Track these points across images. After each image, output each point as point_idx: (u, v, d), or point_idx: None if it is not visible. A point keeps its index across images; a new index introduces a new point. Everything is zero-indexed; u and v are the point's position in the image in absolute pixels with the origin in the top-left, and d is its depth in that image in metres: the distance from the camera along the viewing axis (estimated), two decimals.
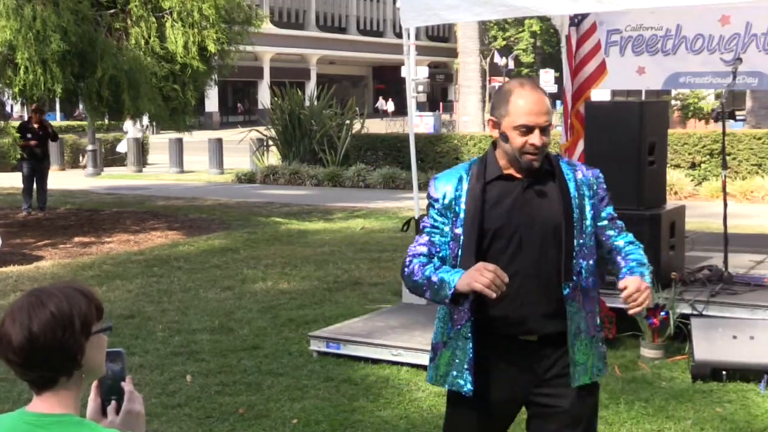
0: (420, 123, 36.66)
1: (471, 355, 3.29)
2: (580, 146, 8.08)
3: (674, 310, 7.09)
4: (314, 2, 74.03)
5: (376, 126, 34.94)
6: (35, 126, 16.49)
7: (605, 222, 3.38)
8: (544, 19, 51.29)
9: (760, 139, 19.28)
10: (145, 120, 16.85)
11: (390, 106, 65.79)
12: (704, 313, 7.13)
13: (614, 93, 31.85)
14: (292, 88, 24.94)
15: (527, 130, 3.21)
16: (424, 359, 6.75)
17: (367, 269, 10.91)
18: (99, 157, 27.36)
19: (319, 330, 7.55)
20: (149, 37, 13.62)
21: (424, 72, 48.47)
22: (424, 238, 3.35)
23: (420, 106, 45.61)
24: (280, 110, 24.07)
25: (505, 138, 3.26)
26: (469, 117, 32.18)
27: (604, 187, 3.41)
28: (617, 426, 5.61)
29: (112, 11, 13.77)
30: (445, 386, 3.42)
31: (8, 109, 20.09)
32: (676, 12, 9.66)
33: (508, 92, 3.28)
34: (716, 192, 16.95)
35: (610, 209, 3.41)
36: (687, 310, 7.18)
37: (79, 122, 38.83)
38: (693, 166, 19.58)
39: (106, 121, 17.50)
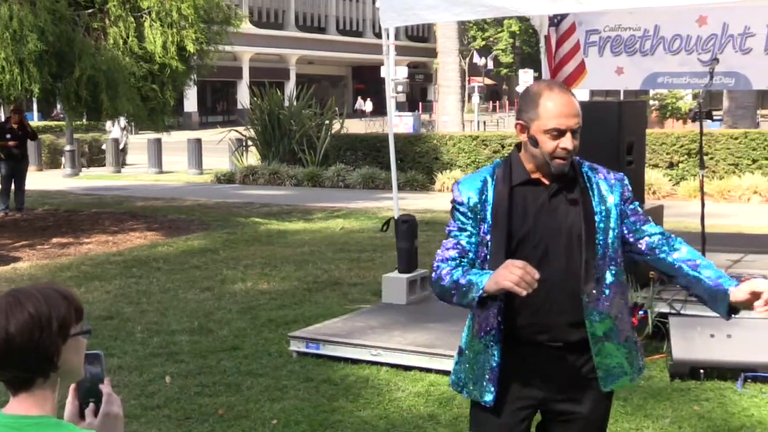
0: (399, 123, 36.69)
1: (495, 365, 3.22)
2: None
3: (652, 309, 7.13)
4: (293, 2, 73.92)
5: (355, 126, 34.94)
6: (14, 126, 16.39)
7: (630, 218, 3.27)
8: (523, 20, 51.42)
9: (737, 139, 19.41)
10: (123, 121, 16.78)
11: (368, 106, 65.84)
12: (682, 312, 7.17)
13: (593, 93, 32.01)
14: (271, 88, 24.90)
15: (558, 133, 3.11)
16: (403, 359, 6.77)
17: (346, 269, 10.90)
18: (77, 157, 27.21)
19: (298, 330, 7.54)
20: (128, 37, 13.57)
21: (403, 72, 48.53)
22: (451, 242, 3.24)
23: (399, 106, 45.66)
24: (260, 110, 24.03)
25: (534, 142, 3.15)
26: (448, 117, 32.20)
27: (630, 188, 3.32)
28: None
29: (90, 11, 13.70)
30: (465, 395, 3.36)
31: None
32: (654, 12, 9.71)
33: (537, 95, 3.17)
34: (694, 192, 17.05)
35: (634, 205, 3.32)
36: (665, 309, 7.22)
37: (56, 122, 38.61)
38: (671, 165, 19.69)
39: (85, 121, 17.42)
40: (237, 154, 25.08)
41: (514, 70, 71.16)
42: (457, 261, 3.18)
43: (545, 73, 9.10)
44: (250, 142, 25.12)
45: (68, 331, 2.08)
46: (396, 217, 8.70)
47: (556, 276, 3.14)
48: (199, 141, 26.90)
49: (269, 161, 23.60)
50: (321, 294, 9.60)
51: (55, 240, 13.64)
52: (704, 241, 7.84)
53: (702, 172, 8.25)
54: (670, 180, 19.06)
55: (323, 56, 71.76)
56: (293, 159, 23.54)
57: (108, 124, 26.25)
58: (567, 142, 3.11)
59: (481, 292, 3.00)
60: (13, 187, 16.71)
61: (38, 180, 22.91)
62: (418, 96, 75.22)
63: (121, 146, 29.42)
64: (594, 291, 3.17)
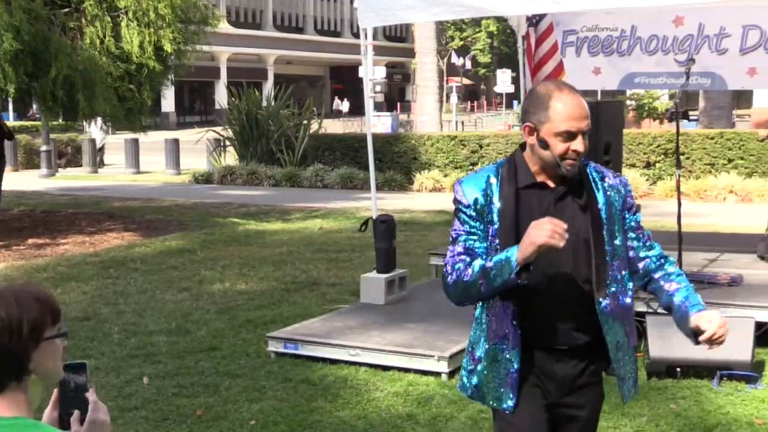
0: (377, 123, 36.70)
1: (514, 371, 3.17)
2: None
3: None
4: (271, 2, 73.78)
5: (333, 126, 34.92)
6: None
7: (631, 232, 3.25)
8: (500, 20, 51.57)
9: (712, 138, 19.54)
10: (99, 121, 16.69)
11: (345, 106, 65.80)
12: (659, 311, 7.20)
13: None
14: (249, 88, 24.85)
15: (569, 136, 3.05)
16: (382, 359, 6.78)
17: (325, 269, 10.89)
18: (53, 157, 27.05)
19: (277, 331, 7.53)
20: (104, 37, 13.50)
21: (381, 72, 48.51)
22: (460, 247, 3.15)
23: (377, 106, 45.67)
24: (237, 110, 23.97)
25: (544, 145, 3.07)
26: (426, 117, 32.26)
27: (632, 194, 3.29)
28: None
29: (66, 10, 13.62)
30: (483, 403, 3.31)
31: None
32: (631, 13, 9.76)
33: (546, 96, 3.09)
34: (670, 191, 17.14)
35: (637, 217, 3.28)
36: (642, 308, 7.25)
37: (33, 122, 38.33)
38: (648, 165, 19.79)
39: (61, 121, 17.30)
40: (215, 155, 25.01)
41: (492, 70, 71.35)
42: (469, 261, 3.11)
43: (527, 73, 9.13)
44: (228, 142, 25.04)
45: (41, 334, 2.06)
46: (374, 217, 8.70)
47: (564, 280, 3.12)
48: (176, 141, 26.79)
49: (247, 161, 23.54)
50: (299, 294, 9.59)
51: (31, 241, 13.54)
52: (681, 240, 7.89)
53: (678, 171, 8.31)
54: (647, 180, 19.16)
55: (301, 56, 71.67)
56: (271, 159, 23.50)
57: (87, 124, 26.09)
58: (578, 144, 3.07)
59: (516, 263, 2.94)
60: None
61: (14, 180, 22.73)
62: (396, 96, 75.25)
63: (99, 146, 29.28)
64: (607, 296, 3.15)
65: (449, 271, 3.14)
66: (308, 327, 7.56)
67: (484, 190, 3.14)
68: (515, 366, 3.16)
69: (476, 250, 3.14)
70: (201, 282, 10.25)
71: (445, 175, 21.33)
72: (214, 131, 25.51)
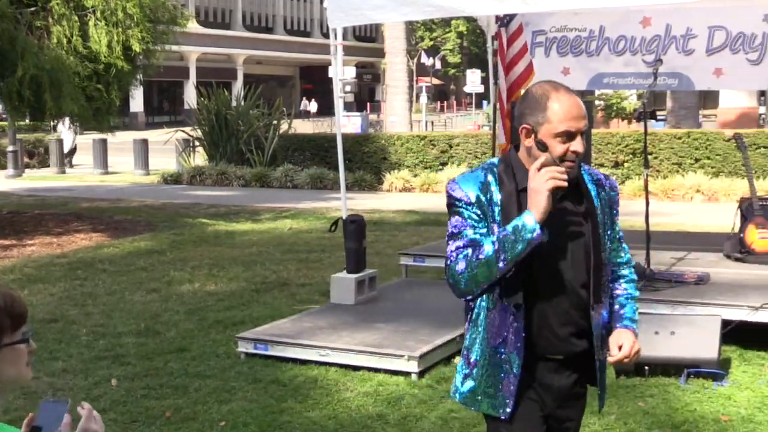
0: (347, 123, 36.67)
1: (514, 377, 3.09)
2: None
3: None
4: (240, 2, 73.52)
5: (303, 126, 34.86)
6: None
7: (614, 236, 3.26)
8: (470, 20, 51.68)
9: (680, 138, 19.71)
10: (67, 121, 16.57)
11: (313, 106, 65.67)
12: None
13: None
14: (218, 88, 24.78)
15: (569, 136, 2.99)
16: (351, 359, 6.77)
17: (295, 270, 10.87)
18: (20, 158, 26.80)
19: (246, 331, 7.50)
20: (72, 36, 13.39)
21: (351, 72, 48.46)
22: (463, 240, 3.02)
23: (347, 106, 45.63)
24: (207, 110, 23.89)
25: (542, 146, 3.00)
26: (396, 117, 32.30)
27: (617, 199, 3.27)
28: None
29: (32, 9, 13.50)
30: (476, 409, 3.22)
31: None
32: (599, 14, 9.83)
33: (544, 97, 3.03)
34: (639, 191, 17.28)
35: (617, 225, 3.29)
36: None
37: None
38: (616, 165, 19.94)
39: (28, 121, 17.16)
40: (184, 155, 24.90)
41: (461, 70, 71.55)
42: (477, 247, 3.00)
43: (500, 72, 9.18)
44: (197, 143, 24.96)
45: None
46: (344, 218, 8.69)
47: (565, 286, 3.09)
48: (145, 141, 26.65)
49: (217, 162, 23.47)
50: (269, 295, 9.56)
51: None
52: (649, 239, 7.96)
53: (646, 171, 8.38)
54: (615, 179, 19.26)
55: (271, 56, 71.47)
56: (241, 159, 23.44)
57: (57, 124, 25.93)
58: (578, 145, 3.01)
59: (534, 220, 2.88)
60: None
61: None
62: (366, 96, 75.24)
63: (71, 146, 29.11)
64: (602, 303, 3.15)
65: (454, 260, 3.02)
66: (278, 327, 7.55)
67: (483, 188, 3.06)
68: (515, 371, 3.09)
69: (479, 240, 3.02)
70: (170, 283, 10.20)
71: (415, 175, 21.37)
72: (183, 131, 25.41)
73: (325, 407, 6.01)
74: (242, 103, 24.37)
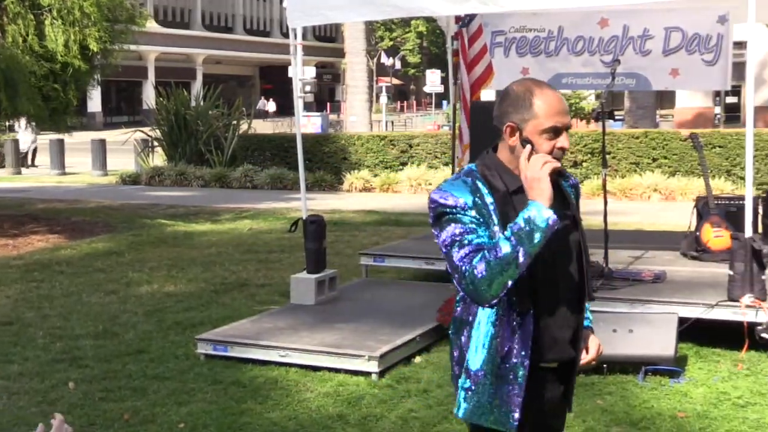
0: (307, 123, 36.64)
1: (519, 389, 2.98)
2: None
3: None
4: (200, 1, 73.11)
5: (263, 126, 34.74)
6: None
7: None
8: (430, 20, 51.83)
9: (637, 138, 19.90)
10: (23, 122, 16.39)
11: (272, 106, 65.48)
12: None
13: (498, 93, 32.41)
14: (177, 88, 24.64)
15: (555, 132, 2.93)
16: (311, 360, 6.76)
17: (254, 270, 10.83)
18: None
19: (206, 332, 7.46)
20: (27, 35, 13.25)
21: (311, 72, 48.37)
22: (469, 247, 2.87)
23: (307, 106, 45.52)
24: (166, 110, 23.73)
25: (529, 144, 2.93)
26: (356, 117, 32.30)
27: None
28: None
29: None
30: (477, 421, 3.08)
31: None
32: (558, 15, 9.91)
33: (528, 93, 2.96)
34: (597, 190, 17.42)
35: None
36: None
37: None
38: (575, 164, 20.08)
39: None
40: (143, 155, 24.72)
41: (421, 70, 71.74)
42: (488, 251, 2.85)
43: (454, 72, 9.20)
44: (156, 143, 24.80)
45: None
46: (304, 218, 8.67)
47: (565, 289, 3.05)
48: (103, 142, 26.43)
49: (176, 162, 23.32)
50: (228, 295, 9.51)
51: None
52: (607, 238, 8.02)
53: (605, 171, 8.44)
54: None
55: (230, 56, 71.15)
56: (200, 160, 23.32)
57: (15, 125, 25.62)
58: (564, 140, 2.96)
59: (544, 210, 2.80)
60: None
61: None
62: (326, 96, 75.16)
63: (33, 146, 28.83)
64: (592, 299, 3.14)
65: (469, 267, 2.83)
66: (238, 328, 7.51)
67: (474, 193, 2.93)
68: (519, 381, 2.99)
69: (485, 245, 2.88)
70: (128, 284, 10.11)
71: (375, 175, 21.39)
72: (141, 131, 25.25)
73: (286, 408, 5.99)
74: (201, 103, 24.25)
